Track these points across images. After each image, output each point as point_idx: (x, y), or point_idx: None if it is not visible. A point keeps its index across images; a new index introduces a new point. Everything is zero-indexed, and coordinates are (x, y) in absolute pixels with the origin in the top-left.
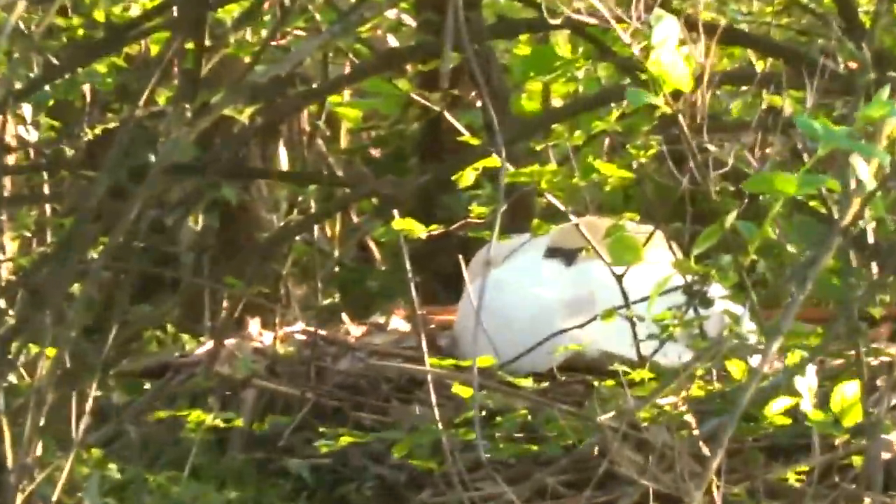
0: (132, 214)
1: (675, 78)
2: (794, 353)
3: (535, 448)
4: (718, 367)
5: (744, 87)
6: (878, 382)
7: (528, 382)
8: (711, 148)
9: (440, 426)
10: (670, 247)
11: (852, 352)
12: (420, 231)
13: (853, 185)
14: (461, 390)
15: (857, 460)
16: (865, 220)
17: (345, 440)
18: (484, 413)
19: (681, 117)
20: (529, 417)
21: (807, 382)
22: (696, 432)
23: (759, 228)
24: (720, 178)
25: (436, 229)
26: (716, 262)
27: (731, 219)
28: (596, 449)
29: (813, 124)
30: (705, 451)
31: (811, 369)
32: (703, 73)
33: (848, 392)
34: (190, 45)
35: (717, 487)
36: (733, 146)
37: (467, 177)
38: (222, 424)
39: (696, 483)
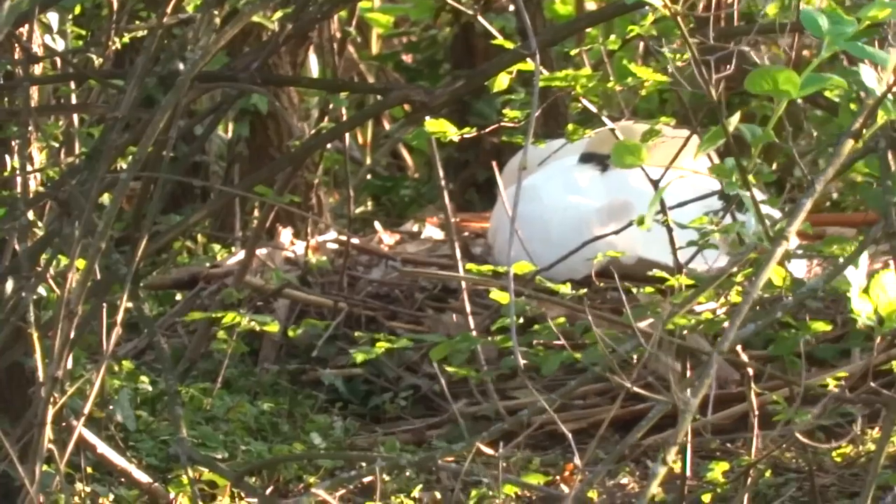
0: (161, 124)
1: None
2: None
3: (576, 356)
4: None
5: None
6: None
7: (565, 289)
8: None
9: (475, 334)
10: (706, 152)
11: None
12: (452, 133)
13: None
14: (498, 296)
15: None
16: (875, 125)
17: (380, 347)
18: (521, 321)
19: (679, 20)
20: (567, 325)
21: (857, 274)
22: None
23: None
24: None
25: (469, 132)
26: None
27: (734, 121)
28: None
29: (818, 20)
30: (742, 355)
31: (864, 261)
32: None
33: (888, 284)
34: None
35: (756, 394)
36: (734, 48)
37: (500, 81)
38: (258, 328)
39: (693, 391)
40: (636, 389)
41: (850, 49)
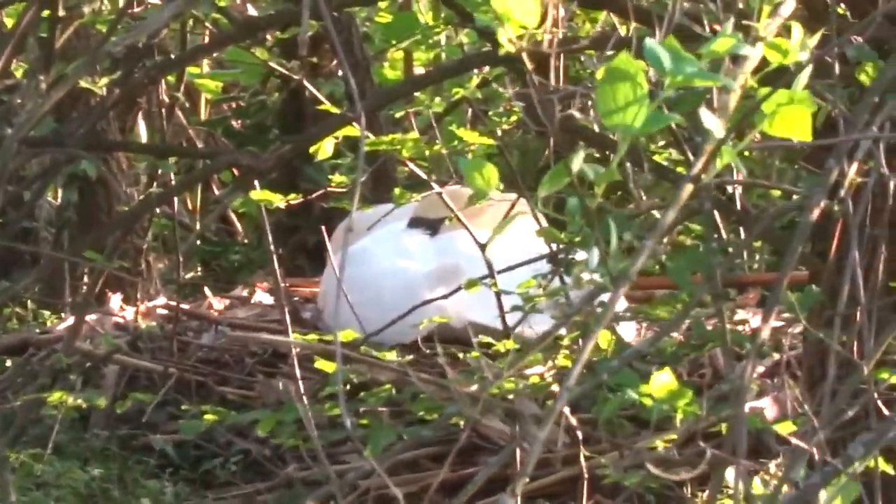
0: None
1: (520, 13)
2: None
3: (399, 431)
4: (584, 337)
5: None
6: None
7: (392, 355)
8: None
9: (305, 401)
10: (535, 215)
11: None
12: (279, 200)
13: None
14: (324, 364)
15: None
16: (712, 172)
17: (208, 419)
18: (349, 387)
19: (525, 56)
20: (394, 391)
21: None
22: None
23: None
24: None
25: (295, 198)
26: (576, 229)
27: (577, 161)
28: (461, 421)
29: (660, 53)
30: (570, 418)
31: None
32: (553, 14)
33: (659, 385)
34: (45, 16)
35: (585, 457)
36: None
37: (325, 148)
38: (84, 404)
39: (540, 425)
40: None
41: (698, 77)
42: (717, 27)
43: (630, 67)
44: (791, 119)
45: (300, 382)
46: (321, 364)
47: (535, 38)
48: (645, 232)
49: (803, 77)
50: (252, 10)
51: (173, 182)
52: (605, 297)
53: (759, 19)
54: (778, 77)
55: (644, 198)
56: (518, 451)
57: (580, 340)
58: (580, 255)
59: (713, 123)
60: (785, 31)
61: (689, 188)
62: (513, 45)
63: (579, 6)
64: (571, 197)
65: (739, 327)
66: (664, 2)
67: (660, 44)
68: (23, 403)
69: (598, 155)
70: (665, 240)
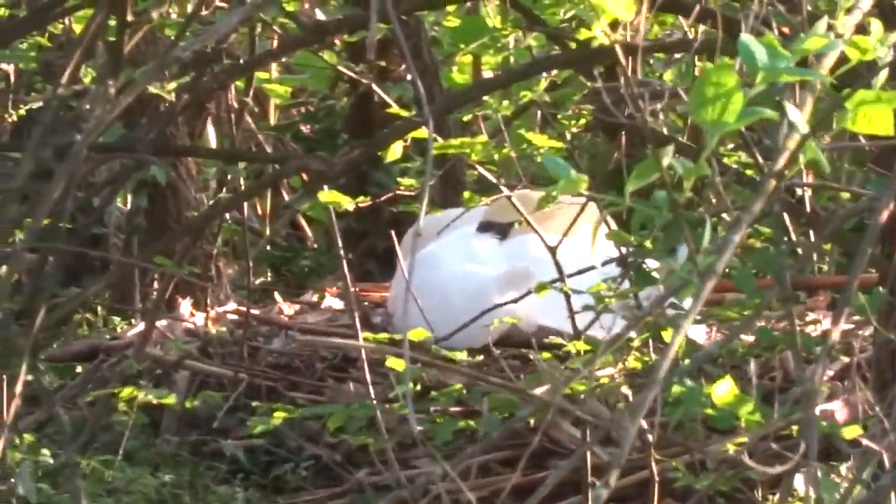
0: (56, 194)
1: (613, 5)
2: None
3: (470, 424)
4: (655, 338)
5: (677, 55)
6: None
7: (462, 356)
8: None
9: (374, 402)
10: (605, 218)
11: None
12: (347, 203)
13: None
14: (394, 364)
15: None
16: (796, 168)
17: (278, 416)
18: (419, 388)
19: (618, 48)
20: (465, 392)
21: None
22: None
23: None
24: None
25: (363, 201)
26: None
27: (668, 155)
28: (531, 423)
29: (754, 49)
30: (641, 421)
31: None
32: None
33: (719, 394)
34: (112, 21)
35: (656, 461)
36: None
37: (394, 150)
38: (155, 401)
39: (631, 417)
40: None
41: (792, 73)
42: (785, 29)
43: (723, 69)
44: (873, 116)
45: (370, 386)
46: (391, 362)
47: (626, 32)
48: (728, 229)
49: (883, 73)
50: (320, 15)
51: (243, 187)
52: (675, 298)
53: (838, 16)
54: (853, 75)
55: (714, 201)
56: (588, 455)
57: (650, 342)
58: (650, 260)
59: (797, 118)
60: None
61: (771, 183)
62: (607, 37)
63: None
64: (659, 191)
65: (810, 329)
66: (732, 6)
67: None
68: (93, 408)
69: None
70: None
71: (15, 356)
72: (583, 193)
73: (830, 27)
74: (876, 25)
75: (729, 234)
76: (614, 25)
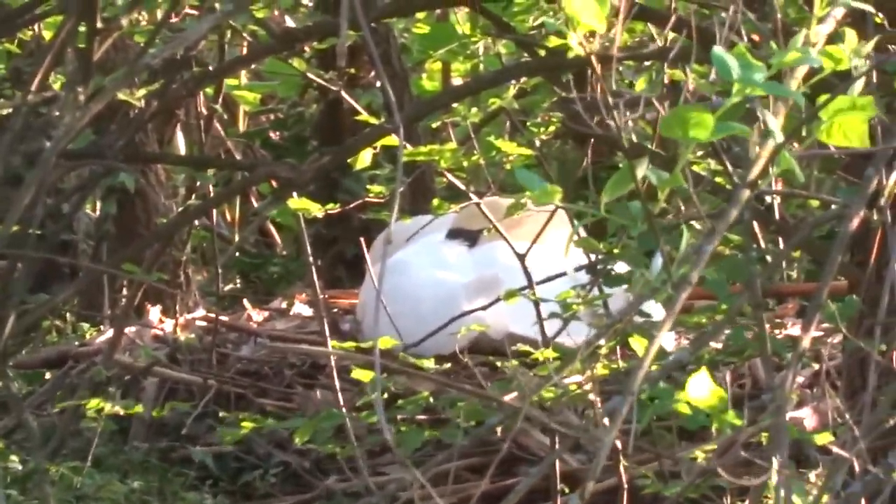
0: (25, 201)
1: (587, 17)
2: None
3: (436, 433)
4: (623, 345)
5: (646, 63)
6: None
7: (430, 364)
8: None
9: (343, 410)
10: (573, 225)
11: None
12: (316, 210)
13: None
14: (362, 374)
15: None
16: (769, 178)
17: (246, 426)
18: (387, 396)
19: (593, 59)
20: (432, 400)
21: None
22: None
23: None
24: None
25: (332, 208)
26: (618, 241)
27: (642, 167)
28: (499, 430)
29: (728, 61)
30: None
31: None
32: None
33: (695, 389)
34: (82, 28)
35: (625, 468)
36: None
37: (362, 158)
38: (123, 412)
39: (606, 429)
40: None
41: (766, 88)
42: (754, 37)
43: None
44: (848, 126)
45: (339, 393)
46: (359, 374)
47: (607, 42)
48: (703, 238)
49: (859, 84)
50: (290, 22)
51: (212, 194)
52: (646, 306)
53: (810, 26)
54: (826, 85)
55: (683, 209)
56: (557, 463)
57: (618, 350)
58: (619, 266)
59: (775, 126)
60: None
61: (745, 193)
62: (583, 48)
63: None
64: (633, 202)
65: (778, 334)
66: (704, 13)
67: (728, 52)
68: (62, 415)
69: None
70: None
71: None
72: (554, 203)
73: (787, 37)
74: (850, 35)
75: (703, 244)
76: (589, 35)
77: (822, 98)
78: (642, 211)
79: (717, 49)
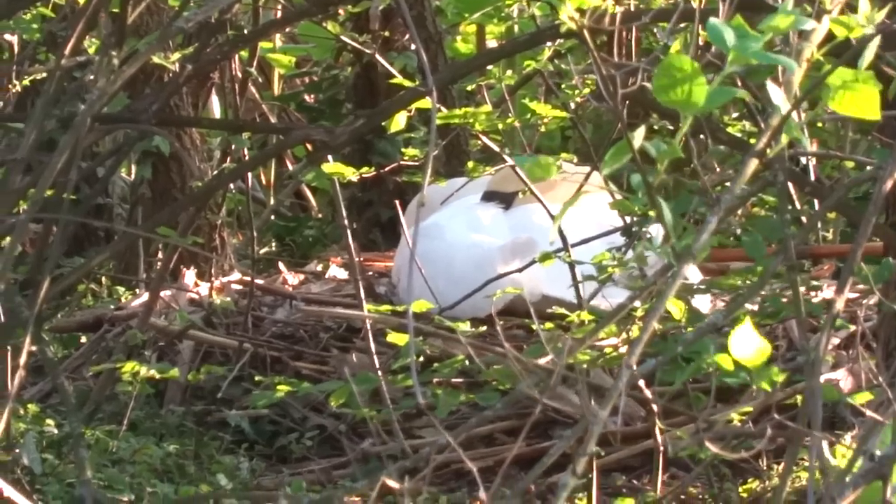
0: (59, 165)
1: None
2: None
3: (472, 396)
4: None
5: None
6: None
7: (465, 327)
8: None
9: (379, 374)
10: (608, 187)
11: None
12: (350, 173)
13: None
14: (396, 338)
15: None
16: (779, 146)
17: (280, 390)
18: (422, 359)
19: (586, 33)
20: (467, 363)
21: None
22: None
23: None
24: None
25: (367, 171)
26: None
27: (639, 137)
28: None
29: (723, 31)
30: (645, 391)
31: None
32: None
33: (739, 342)
34: None
35: (661, 430)
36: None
37: (397, 121)
38: (158, 376)
39: (602, 403)
40: (547, 401)
41: (759, 58)
42: None
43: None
44: (859, 97)
45: (374, 356)
46: (392, 337)
47: (599, 13)
48: (710, 208)
49: (869, 52)
50: None
51: (247, 157)
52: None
53: None
54: (845, 49)
55: (718, 169)
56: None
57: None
58: (654, 228)
59: (779, 97)
60: (848, 6)
61: (753, 163)
62: (574, 21)
63: None
64: (635, 173)
65: (813, 296)
66: None
67: (725, 21)
68: (98, 379)
69: (671, 127)
70: (739, 212)
71: (19, 326)
72: (587, 163)
73: (812, 2)
74: (863, 3)
75: (709, 216)
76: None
77: (826, 67)
78: (641, 182)
79: (713, 20)
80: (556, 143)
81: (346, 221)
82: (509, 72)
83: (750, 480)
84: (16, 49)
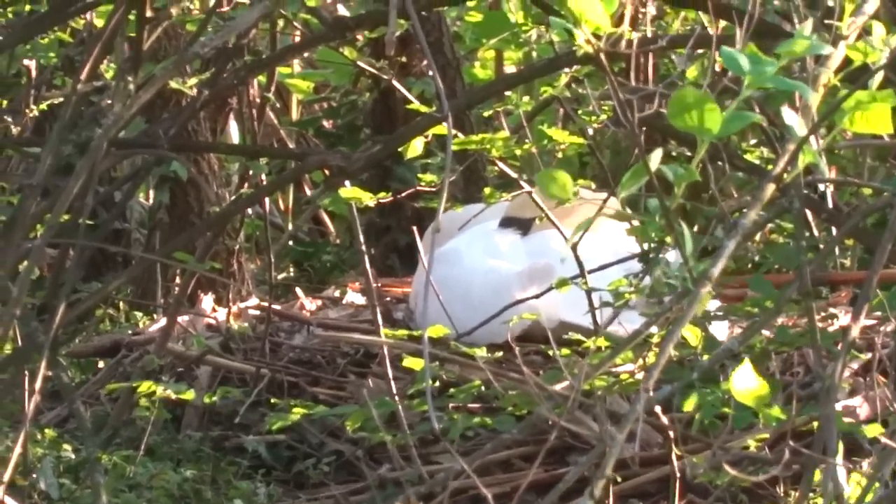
0: (76, 189)
1: (592, 15)
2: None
3: (488, 422)
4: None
5: (699, 51)
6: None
7: (482, 353)
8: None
9: (395, 399)
10: (625, 213)
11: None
12: (368, 198)
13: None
14: (411, 363)
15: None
16: (795, 171)
17: (296, 412)
18: (439, 385)
19: (602, 57)
20: (484, 388)
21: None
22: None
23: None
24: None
25: (384, 197)
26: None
27: (655, 160)
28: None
29: (738, 58)
30: (662, 418)
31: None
32: (631, 14)
33: (738, 382)
34: (133, 17)
35: (678, 456)
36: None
37: (414, 147)
38: (174, 396)
39: (619, 426)
40: (564, 424)
41: (775, 83)
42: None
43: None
44: (872, 116)
45: (391, 381)
46: (408, 362)
47: (615, 39)
48: (727, 233)
49: (879, 75)
50: (342, 10)
51: (265, 183)
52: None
53: (842, 18)
54: (861, 74)
55: (735, 195)
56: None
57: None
58: (671, 255)
59: (794, 121)
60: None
61: (770, 188)
62: (590, 46)
63: (669, 5)
64: (652, 198)
65: (829, 325)
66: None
67: (740, 49)
68: (115, 404)
69: (689, 154)
70: (757, 238)
71: (36, 351)
72: (605, 189)
73: (828, 28)
74: (878, 28)
75: (726, 241)
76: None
77: (843, 92)
78: (659, 206)
79: (726, 49)
80: (574, 169)
81: (363, 247)
82: (527, 97)
83: None
84: (33, 74)
